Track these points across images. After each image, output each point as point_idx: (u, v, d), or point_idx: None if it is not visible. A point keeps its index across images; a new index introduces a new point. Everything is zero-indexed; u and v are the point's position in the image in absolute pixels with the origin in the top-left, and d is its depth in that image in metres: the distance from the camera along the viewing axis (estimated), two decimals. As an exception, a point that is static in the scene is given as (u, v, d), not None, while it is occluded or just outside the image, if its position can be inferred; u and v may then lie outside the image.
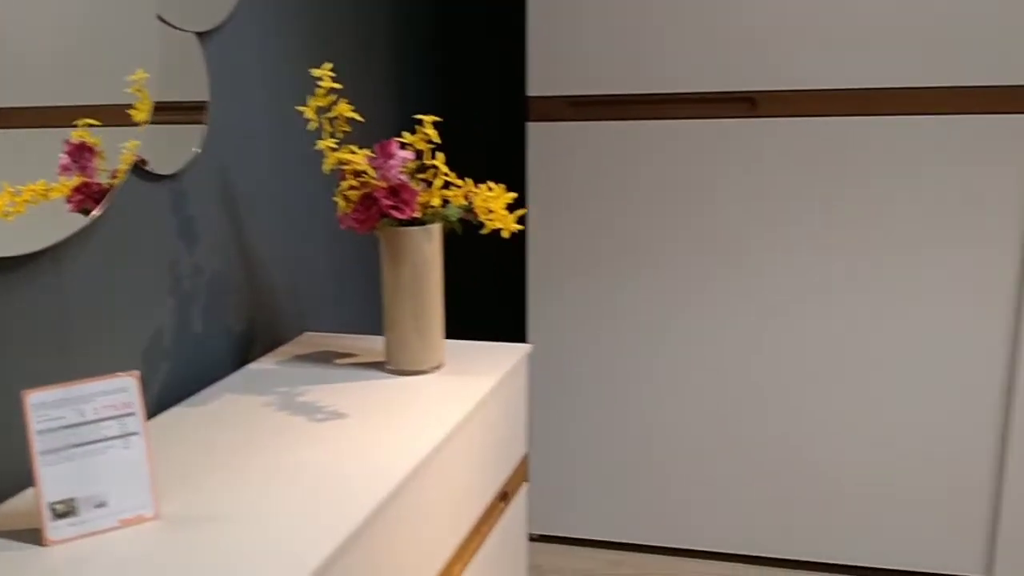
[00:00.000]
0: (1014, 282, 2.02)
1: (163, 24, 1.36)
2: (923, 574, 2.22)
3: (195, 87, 1.47)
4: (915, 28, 1.95)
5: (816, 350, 2.16)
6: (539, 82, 2.18)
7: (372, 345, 1.66)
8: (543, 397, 2.35)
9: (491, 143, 2.86)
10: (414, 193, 1.43)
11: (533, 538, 2.45)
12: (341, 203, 1.47)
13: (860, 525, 2.22)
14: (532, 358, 2.33)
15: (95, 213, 1.24)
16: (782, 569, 2.28)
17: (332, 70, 1.44)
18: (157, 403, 1.40)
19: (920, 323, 2.09)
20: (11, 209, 1.10)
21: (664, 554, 2.36)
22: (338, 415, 1.33)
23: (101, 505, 1.01)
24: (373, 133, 1.69)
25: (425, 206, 1.46)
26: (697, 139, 2.12)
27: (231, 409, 1.37)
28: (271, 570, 0.92)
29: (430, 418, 1.32)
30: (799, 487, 2.24)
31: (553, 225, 2.25)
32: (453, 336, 1.93)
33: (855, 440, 2.18)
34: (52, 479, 0.98)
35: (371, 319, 2.15)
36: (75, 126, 1.19)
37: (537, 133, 2.20)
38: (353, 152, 1.45)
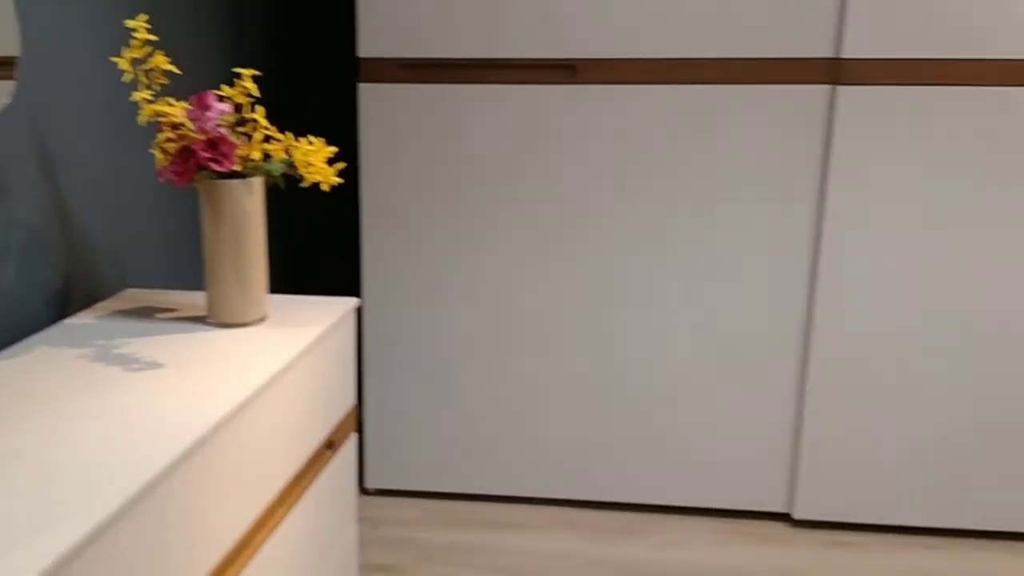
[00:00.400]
0: (810, 239, 2.20)
1: (-36, -32, 1.32)
2: (729, 511, 2.41)
3: (5, 40, 1.43)
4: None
5: (632, 305, 2.29)
6: (369, 44, 2.20)
7: (195, 300, 1.67)
8: (379, 354, 2.40)
9: (327, 101, 2.86)
10: (233, 146, 1.44)
11: (369, 492, 2.50)
12: (159, 156, 1.47)
13: (670, 467, 2.38)
14: (370, 316, 2.37)
15: None
16: (602, 511, 2.42)
17: (155, 22, 1.43)
18: (-35, 357, 1.37)
19: (727, 276, 2.25)
20: None
21: (494, 502, 2.46)
22: (155, 365, 1.34)
23: (-101, 452, 1.00)
24: (201, 87, 1.68)
25: (245, 159, 1.48)
26: (522, 105, 2.20)
27: (44, 361, 1.36)
28: (72, 507, 0.94)
29: (249, 367, 1.35)
30: (617, 432, 2.37)
31: (386, 184, 2.29)
32: (294, 292, 1.94)
33: (668, 387, 2.33)
34: None
35: (199, 275, 2.14)
36: None
37: (368, 94, 2.23)
38: (170, 104, 1.45)
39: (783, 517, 2.39)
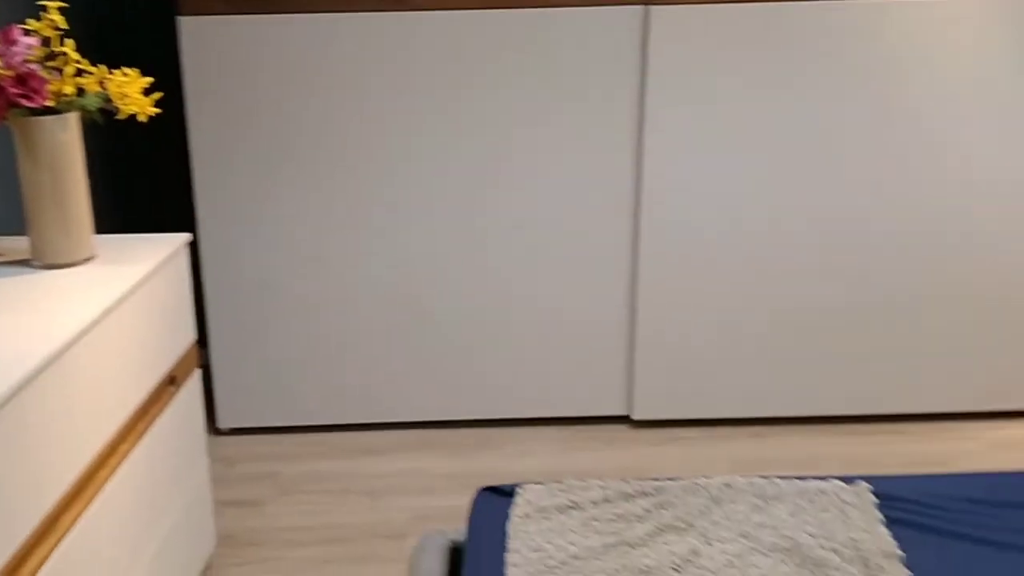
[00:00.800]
0: (633, 152, 2.30)
1: None
2: (576, 419, 2.53)
3: None
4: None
5: (469, 225, 2.36)
6: (187, -26, 2.15)
7: (19, 244, 1.63)
8: (221, 293, 2.38)
9: (148, 34, 2.77)
10: (43, 81, 1.41)
11: (223, 432, 2.50)
12: (-36, 95, 1.42)
13: (519, 382, 2.48)
14: (207, 255, 2.34)
15: None
16: (460, 429, 2.50)
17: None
18: None
19: (556, 192, 2.34)
20: None
21: (353, 430, 2.50)
22: (-22, 308, 1.32)
23: None
24: (5, 21, 1.61)
25: (59, 95, 1.44)
26: (351, 33, 2.20)
27: None
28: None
29: (73, 307, 1.34)
30: (467, 352, 2.45)
31: (215, 118, 2.25)
32: (132, 232, 1.90)
33: (508, 307, 2.42)
34: None
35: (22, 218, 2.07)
36: None
37: (190, 27, 2.18)
38: (-28, 41, 1.40)
39: (624, 420, 2.54)
